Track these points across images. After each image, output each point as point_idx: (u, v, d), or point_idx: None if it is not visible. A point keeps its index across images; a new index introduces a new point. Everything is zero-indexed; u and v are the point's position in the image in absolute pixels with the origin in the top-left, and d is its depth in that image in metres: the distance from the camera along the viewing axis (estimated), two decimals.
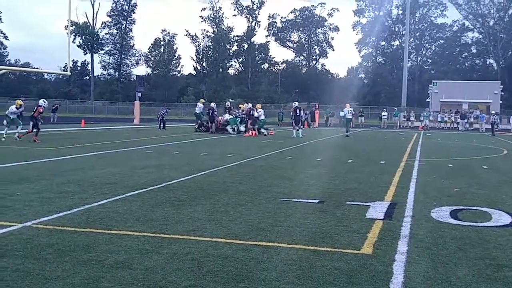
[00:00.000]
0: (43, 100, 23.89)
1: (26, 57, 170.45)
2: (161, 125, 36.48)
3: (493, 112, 42.71)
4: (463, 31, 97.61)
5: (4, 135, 22.15)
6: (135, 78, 74.46)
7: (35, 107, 22.60)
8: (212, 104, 34.36)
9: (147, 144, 21.13)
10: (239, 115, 33.56)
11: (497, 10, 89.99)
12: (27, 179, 10.93)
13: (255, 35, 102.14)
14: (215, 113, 33.15)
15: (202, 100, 36.55)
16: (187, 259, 5.57)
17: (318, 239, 6.48)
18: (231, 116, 33.53)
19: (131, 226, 6.98)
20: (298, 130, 30.26)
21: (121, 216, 7.58)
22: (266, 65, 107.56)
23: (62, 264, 5.33)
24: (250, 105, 34.23)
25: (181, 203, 8.65)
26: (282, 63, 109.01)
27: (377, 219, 7.75)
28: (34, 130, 21.81)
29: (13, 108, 23.39)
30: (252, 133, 30.69)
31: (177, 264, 5.39)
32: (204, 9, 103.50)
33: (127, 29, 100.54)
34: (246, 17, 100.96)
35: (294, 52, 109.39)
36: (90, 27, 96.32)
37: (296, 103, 32.94)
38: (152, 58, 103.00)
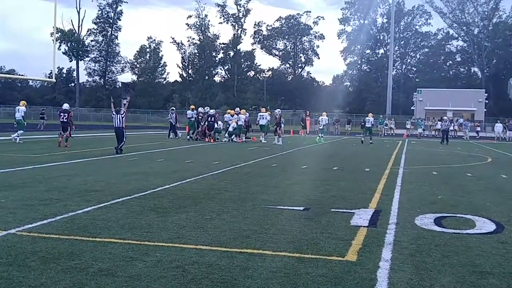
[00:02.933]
0: (67, 105, 25.20)
1: (11, 64, 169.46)
2: (172, 132, 33.69)
3: (445, 118, 40.46)
4: (448, 40, 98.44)
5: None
6: (120, 85, 74.18)
7: (65, 114, 23.44)
8: (212, 111, 33.34)
9: (133, 152, 21.04)
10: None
11: (482, 19, 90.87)
12: (11, 186, 10.85)
13: (241, 42, 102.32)
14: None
15: (193, 106, 34.94)
16: (172, 266, 5.57)
17: (303, 246, 6.50)
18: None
19: (116, 233, 6.96)
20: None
21: (106, 223, 7.55)
22: (252, 73, 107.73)
23: (46, 271, 5.31)
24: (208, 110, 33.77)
25: (166, 210, 8.64)
26: (268, 71, 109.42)
27: (361, 226, 7.78)
28: (65, 134, 23.09)
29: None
30: (207, 139, 31.39)
31: (162, 272, 5.38)
32: (190, 16, 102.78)
33: (113, 36, 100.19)
34: (232, 24, 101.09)
35: (280, 60, 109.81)
36: (76, 34, 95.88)
37: (279, 110, 33.21)
38: (138, 65, 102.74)
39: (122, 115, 20.39)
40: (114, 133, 20.58)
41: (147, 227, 7.35)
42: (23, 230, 7.01)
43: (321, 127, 35.49)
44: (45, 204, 8.88)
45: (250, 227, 7.54)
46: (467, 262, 6.06)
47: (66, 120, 23.23)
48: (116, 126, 20.36)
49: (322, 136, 34.51)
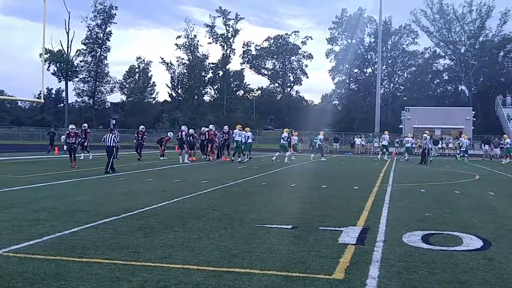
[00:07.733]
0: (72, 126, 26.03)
1: None
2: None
3: (424, 135, 35.22)
4: (435, 58, 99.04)
5: None
6: (109, 105, 74.08)
7: (67, 133, 24.61)
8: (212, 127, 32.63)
9: (121, 172, 20.96)
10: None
11: (468, 38, 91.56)
12: None
13: (230, 62, 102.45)
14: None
15: (240, 126, 32.11)
16: (158, 286, 5.55)
17: (291, 265, 6.50)
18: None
19: (103, 253, 6.93)
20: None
21: (93, 243, 7.51)
22: (241, 92, 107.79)
23: None
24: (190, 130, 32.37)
25: (153, 230, 8.61)
26: (257, 90, 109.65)
27: (349, 244, 7.79)
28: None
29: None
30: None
31: None
32: (179, 37, 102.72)
33: (102, 56, 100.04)
34: (221, 45, 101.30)
35: (268, 79, 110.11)
36: (65, 55, 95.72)
37: (185, 126, 32.11)
38: (127, 85, 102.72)
39: (114, 135, 21.70)
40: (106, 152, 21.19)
41: (134, 247, 7.32)
42: (9, 251, 6.96)
43: (463, 148, 40.09)
44: (32, 225, 8.83)
45: (238, 246, 7.53)
46: (454, 279, 6.08)
47: (74, 141, 24.66)
48: (107, 145, 21.12)
49: (466, 156, 39.22)
